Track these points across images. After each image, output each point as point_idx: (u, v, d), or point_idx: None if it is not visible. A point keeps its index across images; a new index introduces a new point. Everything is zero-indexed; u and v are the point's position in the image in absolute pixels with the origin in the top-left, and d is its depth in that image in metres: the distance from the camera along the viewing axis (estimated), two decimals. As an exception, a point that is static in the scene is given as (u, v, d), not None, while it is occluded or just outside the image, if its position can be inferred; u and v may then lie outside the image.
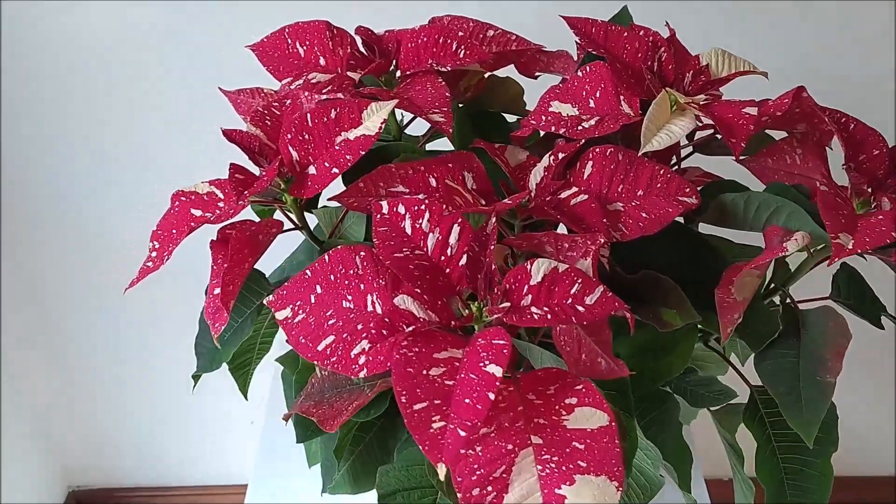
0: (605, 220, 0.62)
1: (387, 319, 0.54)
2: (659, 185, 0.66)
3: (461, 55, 0.75)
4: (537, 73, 0.85)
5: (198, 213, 0.70)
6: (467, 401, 0.49)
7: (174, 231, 0.70)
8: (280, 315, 0.61)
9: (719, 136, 0.79)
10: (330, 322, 0.59)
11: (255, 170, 0.83)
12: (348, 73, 0.74)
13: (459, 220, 0.58)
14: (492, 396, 0.48)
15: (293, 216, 0.73)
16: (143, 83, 1.28)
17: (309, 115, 0.67)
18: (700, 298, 0.68)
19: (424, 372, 0.51)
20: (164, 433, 1.76)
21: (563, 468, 0.52)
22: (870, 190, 0.66)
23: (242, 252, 0.66)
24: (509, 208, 0.60)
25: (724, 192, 0.71)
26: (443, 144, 0.89)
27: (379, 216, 0.60)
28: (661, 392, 0.77)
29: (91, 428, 1.74)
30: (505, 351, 0.50)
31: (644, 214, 0.64)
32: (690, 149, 0.79)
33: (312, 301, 0.61)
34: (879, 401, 1.61)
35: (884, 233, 0.58)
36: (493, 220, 0.57)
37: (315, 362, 0.62)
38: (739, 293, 0.65)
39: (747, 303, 0.66)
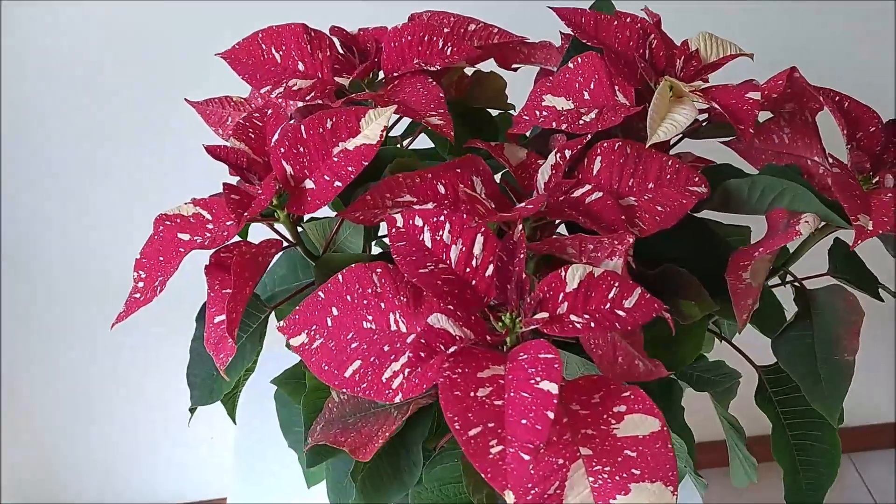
0: (623, 217, 0.61)
1: (423, 340, 0.51)
2: (668, 176, 0.65)
3: (448, 53, 0.72)
4: (515, 66, 0.83)
5: (185, 237, 0.66)
6: (524, 421, 0.47)
7: (161, 258, 0.66)
8: (295, 341, 0.58)
9: (704, 123, 0.79)
10: (353, 345, 0.56)
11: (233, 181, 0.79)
12: (336, 79, 0.70)
13: (483, 229, 0.56)
14: (551, 415, 0.47)
15: (287, 232, 0.69)
16: (105, 94, 1.21)
17: (303, 126, 0.63)
18: (707, 285, 0.67)
19: (472, 394, 0.49)
20: (116, 451, 1.68)
21: (617, 478, 0.51)
22: (869, 167, 0.66)
23: (244, 276, 0.62)
24: (532, 213, 0.58)
25: (722, 176, 0.70)
26: (419, 142, 0.86)
27: (394, 230, 0.58)
28: (667, 379, 0.76)
29: (38, 448, 1.64)
30: (556, 366, 0.49)
31: (659, 208, 0.63)
32: (679, 135, 0.79)
33: (329, 324, 0.58)
34: (877, 351, 1.66)
35: (901, 212, 0.58)
36: (521, 227, 0.55)
37: (338, 388, 0.59)
38: (754, 279, 0.65)
39: (761, 288, 0.66)
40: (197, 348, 0.72)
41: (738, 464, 0.86)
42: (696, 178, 0.65)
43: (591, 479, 0.51)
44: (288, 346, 0.78)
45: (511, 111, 0.84)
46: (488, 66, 0.83)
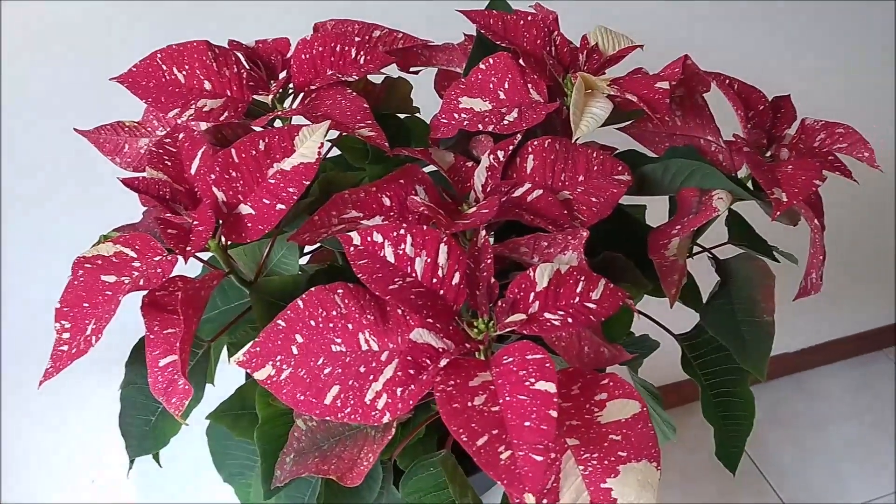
0: (565, 211, 0.63)
1: (409, 357, 0.51)
2: (596, 167, 0.68)
3: (362, 62, 0.71)
4: (415, 69, 0.83)
5: (111, 279, 0.61)
6: (527, 423, 0.48)
7: (86, 305, 0.61)
8: (261, 375, 0.56)
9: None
10: (326, 371, 0.55)
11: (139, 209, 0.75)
12: (255, 97, 0.67)
13: (445, 238, 0.56)
14: (554, 414, 0.48)
15: (219, 261, 0.66)
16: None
17: (234, 150, 0.61)
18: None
19: (469, 404, 0.50)
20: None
21: (605, 462, 0.53)
22: (766, 142, 0.73)
23: (188, 313, 0.58)
24: (491, 217, 0.59)
25: (631, 162, 0.74)
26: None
27: (352, 248, 0.57)
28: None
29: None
30: (548, 365, 0.50)
31: (594, 199, 0.66)
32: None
33: (295, 352, 0.56)
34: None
35: (808, 183, 0.64)
36: (484, 232, 0.56)
37: (309, 415, 0.58)
38: (680, 255, 0.69)
39: (686, 264, 0.70)
40: (129, 395, 0.68)
41: (655, 425, 0.91)
42: (620, 167, 0.68)
43: (580, 467, 0.54)
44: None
45: (417, 114, 0.84)
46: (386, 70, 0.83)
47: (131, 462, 0.69)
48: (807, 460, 1.70)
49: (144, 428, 0.68)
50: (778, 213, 0.63)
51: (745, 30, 1.41)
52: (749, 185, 0.75)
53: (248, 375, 0.90)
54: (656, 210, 0.86)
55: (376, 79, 0.82)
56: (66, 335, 0.61)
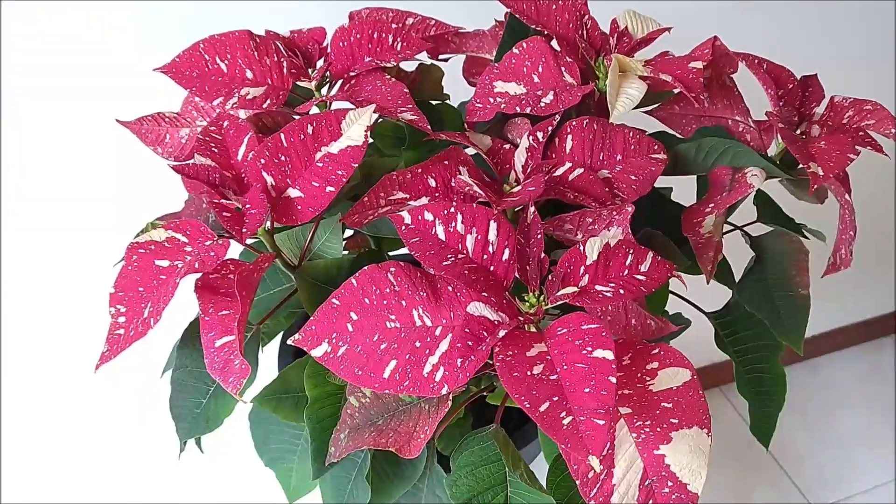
0: (606, 189, 0.65)
1: (467, 330, 0.52)
2: (633, 146, 0.69)
3: (399, 49, 0.72)
4: (444, 56, 0.84)
5: (164, 263, 0.63)
6: (587, 390, 0.50)
7: (141, 289, 0.62)
8: (317, 352, 0.57)
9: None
10: (382, 346, 0.56)
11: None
12: (298, 84, 0.69)
13: (494, 215, 0.57)
14: (613, 380, 0.49)
15: (265, 245, 0.67)
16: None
17: (283, 134, 0.62)
18: (665, 244, 0.73)
19: (528, 373, 0.51)
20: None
21: (658, 430, 0.55)
22: (797, 119, 0.74)
23: (242, 295, 0.60)
24: (538, 196, 0.60)
25: (664, 142, 0.76)
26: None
27: (404, 228, 0.58)
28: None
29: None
30: (604, 334, 0.51)
31: (633, 177, 0.67)
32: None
33: (351, 330, 0.57)
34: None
35: (843, 157, 0.66)
36: (533, 208, 0.57)
37: (363, 391, 0.59)
38: (716, 233, 0.71)
39: (722, 241, 0.72)
40: (180, 378, 0.69)
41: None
42: (656, 146, 0.70)
43: (633, 434, 0.55)
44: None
45: (447, 101, 0.85)
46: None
47: (182, 444, 0.70)
48: (819, 444, 1.71)
49: (196, 410, 0.69)
50: (815, 186, 0.65)
51: (744, 24, 1.42)
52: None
53: (281, 364, 0.92)
54: (680, 192, 0.88)
55: (406, 66, 0.84)
56: (121, 319, 0.62)
